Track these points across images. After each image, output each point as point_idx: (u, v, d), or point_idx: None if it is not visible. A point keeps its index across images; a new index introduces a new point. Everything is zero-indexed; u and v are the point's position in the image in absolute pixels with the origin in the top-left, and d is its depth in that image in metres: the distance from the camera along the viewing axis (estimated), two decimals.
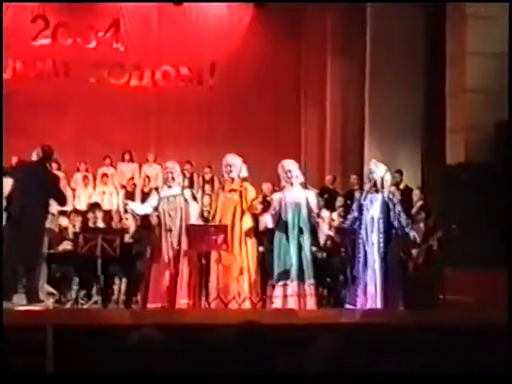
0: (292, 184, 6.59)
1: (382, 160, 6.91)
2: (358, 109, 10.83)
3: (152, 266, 6.66)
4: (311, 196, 6.71)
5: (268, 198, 7.12)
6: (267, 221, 6.54)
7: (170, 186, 6.72)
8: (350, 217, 6.47)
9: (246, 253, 6.59)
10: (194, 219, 6.73)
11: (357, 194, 6.65)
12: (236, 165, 6.63)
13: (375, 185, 6.36)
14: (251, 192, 6.70)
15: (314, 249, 7.01)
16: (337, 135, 11.38)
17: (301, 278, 6.47)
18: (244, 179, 6.71)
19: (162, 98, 12.03)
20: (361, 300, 6.26)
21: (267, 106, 11.87)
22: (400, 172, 9.39)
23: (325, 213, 7.89)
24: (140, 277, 7.09)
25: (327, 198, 9.38)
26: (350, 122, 11.12)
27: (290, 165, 6.68)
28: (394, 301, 6.24)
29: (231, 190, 6.63)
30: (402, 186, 9.30)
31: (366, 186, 6.52)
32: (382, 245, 6.26)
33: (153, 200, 6.80)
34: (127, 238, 7.79)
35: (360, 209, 6.36)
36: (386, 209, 6.32)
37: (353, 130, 11.05)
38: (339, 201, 9.12)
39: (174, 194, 6.70)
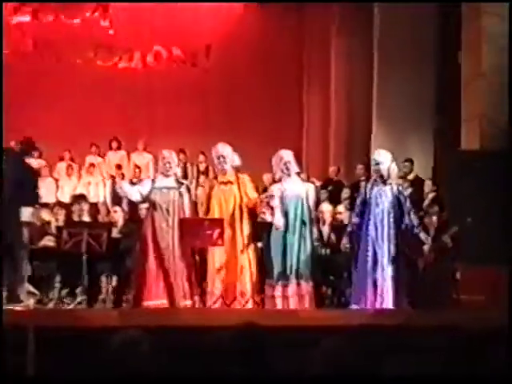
0: (290, 175, 6.58)
1: (390, 149, 6.85)
2: (364, 95, 10.80)
3: (142, 263, 6.64)
4: (311, 190, 6.72)
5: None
6: (280, 223, 6.47)
7: (166, 176, 6.69)
8: (356, 212, 6.41)
9: (248, 249, 6.60)
10: (188, 213, 6.72)
11: (362, 187, 6.57)
12: (228, 154, 6.61)
13: (381, 176, 6.33)
14: (249, 184, 6.72)
15: (316, 244, 6.99)
16: (342, 123, 11.33)
17: (302, 276, 6.46)
18: (237, 169, 6.70)
19: (154, 82, 11.97)
20: (368, 300, 6.25)
21: (267, 92, 11.82)
22: (410, 161, 9.33)
23: (327, 206, 7.84)
24: (129, 274, 7.09)
25: (331, 190, 9.33)
26: (356, 108, 11.09)
27: (288, 155, 6.65)
28: (401, 301, 6.28)
29: (227, 182, 6.62)
30: (411, 177, 9.23)
31: (372, 178, 6.48)
32: (393, 241, 6.24)
33: (144, 187, 6.75)
34: (115, 233, 7.76)
35: (366, 203, 6.32)
36: (397, 203, 6.30)
37: (359, 117, 11.02)
38: (345, 193, 9.06)
39: (169, 185, 6.68)
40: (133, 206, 8.21)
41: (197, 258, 6.74)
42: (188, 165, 10.69)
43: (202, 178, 10.22)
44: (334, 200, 8.72)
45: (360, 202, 6.38)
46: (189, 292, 6.49)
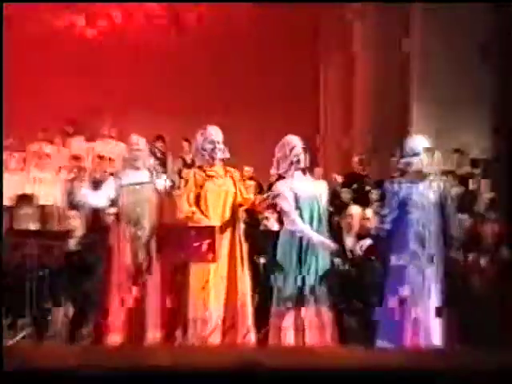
0: (300, 169, 6.57)
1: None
2: (401, 63, 10.85)
3: (108, 285, 6.67)
4: (324, 189, 6.73)
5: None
6: (317, 238, 6.39)
7: (136, 168, 6.71)
8: (389, 219, 6.38)
9: (247, 266, 6.61)
10: (171, 216, 6.77)
11: (396, 185, 6.51)
12: (221, 142, 6.66)
13: (420, 171, 6.35)
14: (241, 181, 6.78)
15: (336, 260, 7.00)
16: (370, 100, 11.35)
17: (320, 301, 6.43)
18: (226, 162, 6.75)
19: (121, 46, 11.96)
20: (406, 334, 6.27)
21: (273, 58, 11.82)
22: (459, 151, 9.31)
23: (356, 209, 7.80)
24: (91, 300, 7.14)
25: (357, 188, 9.35)
26: (390, 81, 11.13)
27: (300, 143, 6.59)
28: (451, 336, 6.34)
29: (218, 177, 6.67)
30: (463, 172, 9.21)
31: (408, 173, 6.47)
32: (439, 256, 6.27)
33: (110, 189, 6.75)
34: (72, 245, 7.81)
35: (402, 206, 6.33)
36: (442, 206, 6.35)
37: (394, 94, 11.05)
38: (374, 193, 9.06)
39: (141, 181, 6.72)
40: (96, 209, 8.11)
41: (180, 277, 6.78)
42: (168, 156, 10.72)
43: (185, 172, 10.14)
44: (362, 201, 8.68)
45: (394, 205, 6.38)
46: (161, 321, 6.56)
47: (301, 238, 6.43)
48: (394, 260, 6.39)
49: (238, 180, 6.76)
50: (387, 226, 6.38)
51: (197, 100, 11.68)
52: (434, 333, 6.24)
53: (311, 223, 6.48)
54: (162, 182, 6.84)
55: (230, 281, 6.55)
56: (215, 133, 6.68)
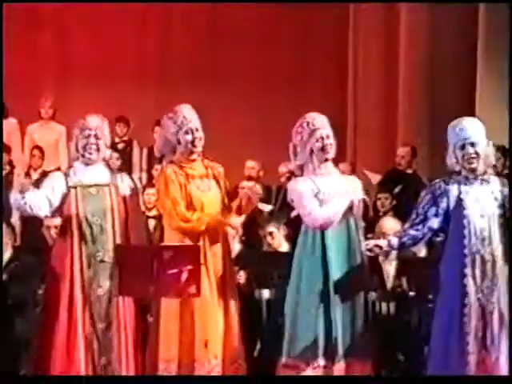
0: (327, 160, 6.64)
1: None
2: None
3: (50, 329, 6.59)
4: (358, 189, 6.73)
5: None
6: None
7: (88, 164, 6.69)
8: (429, 224, 6.39)
9: (239, 304, 6.67)
10: (139, 231, 6.82)
11: (438, 185, 6.52)
12: (200, 128, 6.72)
13: (474, 169, 6.35)
14: (226, 181, 6.85)
15: (373, 295, 7.18)
16: (417, 73, 11.57)
17: (353, 350, 6.47)
18: (205, 155, 6.84)
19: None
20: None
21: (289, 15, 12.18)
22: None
23: (391, 223, 7.93)
24: (22, 352, 7.26)
25: (401, 192, 9.32)
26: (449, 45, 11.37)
27: (326, 125, 6.64)
28: None
29: (200, 177, 6.72)
30: None
31: (464, 171, 6.41)
32: (504, 287, 6.28)
33: (55, 190, 6.68)
34: None
35: (449, 215, 6.37)
36: (505, 218, 6.36)
37: (451, 67, 11.28)
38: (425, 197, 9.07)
39: (98, 180, 6.71)
40: (32, 221, 8.26)
41: (149, 318, 6.84)
42: (134, 145, 10.72)
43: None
44: (405, 210, 8.58)
45: (442, 211, 6.41)
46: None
47: (324, 264, 6.46)
48: (441, 294, 6.40)
49: (224, 180, 6.81)
50: (419, 234, 6.40)
51: (175, 65, 12.07)
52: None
53: (339, 237, 6.53)
54: (129, 183, 6.84)
55: (228, 327, 6.55)
56: (191, 116, 6.70)
